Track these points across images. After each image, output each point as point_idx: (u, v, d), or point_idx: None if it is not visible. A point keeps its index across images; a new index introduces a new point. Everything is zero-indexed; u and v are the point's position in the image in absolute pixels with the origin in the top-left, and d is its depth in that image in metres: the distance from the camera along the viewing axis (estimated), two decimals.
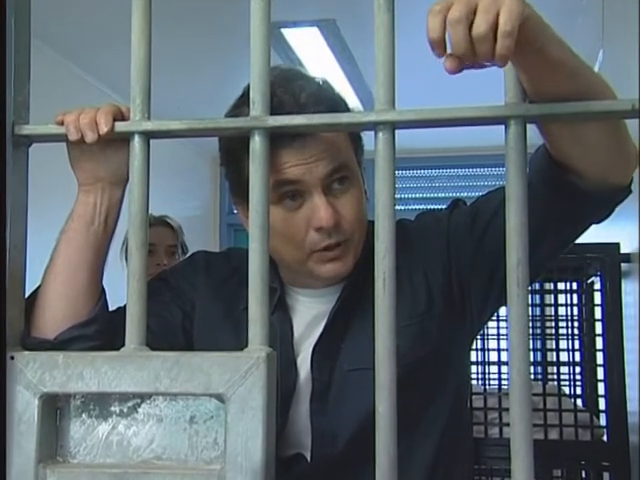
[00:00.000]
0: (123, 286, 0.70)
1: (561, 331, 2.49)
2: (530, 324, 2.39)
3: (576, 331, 2.51)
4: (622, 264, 2.32)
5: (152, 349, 0.68)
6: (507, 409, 2.20)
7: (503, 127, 0.66)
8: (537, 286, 2.53)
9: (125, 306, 0.70)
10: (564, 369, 2.57)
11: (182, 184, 4.94)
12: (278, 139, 0.94)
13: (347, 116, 0.71)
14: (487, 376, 2.62)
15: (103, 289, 1.05)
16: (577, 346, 2.52)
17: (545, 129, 0.88)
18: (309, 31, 3.41)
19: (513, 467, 0.62)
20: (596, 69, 2.77)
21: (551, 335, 2.53)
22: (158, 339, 1.06)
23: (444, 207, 1.16)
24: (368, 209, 1.05)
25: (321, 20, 3.31)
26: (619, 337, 2.26)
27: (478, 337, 2.37)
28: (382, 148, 0.66)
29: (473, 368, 2.56)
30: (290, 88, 1.02)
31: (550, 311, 2.55)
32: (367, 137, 0.91)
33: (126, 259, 0.72)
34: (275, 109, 0.71)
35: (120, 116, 0.88)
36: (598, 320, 2.38)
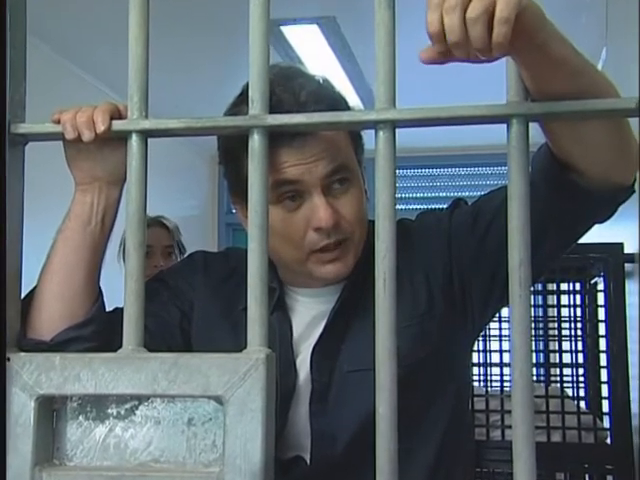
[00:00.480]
0: (121, 287, 0.70)
1: (564, 332, 2.50)
2: (532, 325, 2.39)
3: (579, 332, 2.51)
4: (626, 264, 2.31)
5: (150, 350, 0.68)
6: (509, 411, 2.20)
7: (505, 126, 0.66)
8: (540, 287, 2.54)
9: (122, 307, 0.70)
10: (567, 371, 2.57)
11: (180, 183, 4.95)
12: (277, 138, 0.94)
13: (347, 115, 0.71)
14: (489, 378, 2.62)
15: (100, 290, 1.05)
16: (580, 347, 2.52)
17: (547, 128, 0.88)
18: (309, 28, 3.41)
19: (515, 470, 0.62)
20: (599, 67, 2.77)
21: (554, 336, 2.54)
22: (156, 340, 1.06)
23: (445, 207, 1.16)
24: (368, 209, 1.05)
25: (321, 17, 3.31)
26: (623, 338, 2.26)
27: (480, 338, 2.37)
28: (382, 147, 0.66)
29: (475, 369, 2.56)
30: (290, 86, 1.02)
31: (553, 312, 2.55)
32: (367, 136, 0.91)
33: (124, 260, 0.72)
34: (274, 108, 0.71)
35: (117, 115, 0.88)
36: (601, 321, 2.39)
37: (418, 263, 1.10)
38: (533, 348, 0.66)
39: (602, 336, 2.38)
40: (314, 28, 3.41)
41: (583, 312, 2.53)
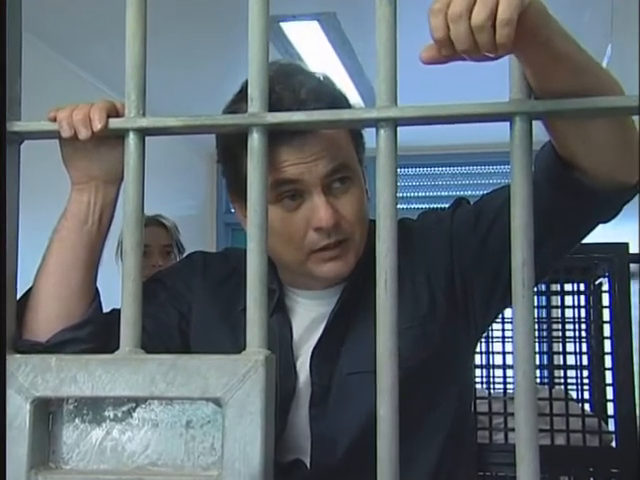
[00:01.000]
0: (118, 287, 0.70)
1: (568, 334, 2.49)
2: (536, 326, 2.39)
3: (583, 334, 2.51)
4: (631, 265, 2.31)
5: (147, 351, 0.68)
6: (512, 414, 2.20)
7: (508, 124, 0.66)
8: (543, 287, 2.53)
9: (120, 308, 0.70)
10: (571, 373, 2.56)
11: (178, 182, 4.95)
12: (277, 137, 0.94)
13: (348, 113, 0.71)
14: (492, 380, 2.62)
15: (97, 290, 1.05)
16: (585, 349, 2.52)
17: (551, 126, 0.88)
18: (309, 25, 3.41)
19: (518, 474, 0.62)
20: (604, 64, 2.77)
21: (558, 338, 2.53)
22: (153, 341, 1.06)
23: (447, 206, 1.16)
24: (369, 208, 1.05)
25: (321, 13, 3.32)
26: (628, 340, 2.26)
27: (482, 340, 2.37)
28: (384, 145, 0.66)
29: (477, 371, 2.56)
30: (290, 84, 1.02)
31: (557, 313, 2.55)
32: (368, 134, 0.91)
33: (121, 260, 0.72)
34: (274, 105, 0.71)
35: (114, 112, 0.88)
36: (606, 322, 2.38)
37: (419, 263, 1.10)
38: (536, 350, 0.66)
39: (607, 337, 2.38)
40: (314, 24, 3.41)
41: (587, 313, 2.53)
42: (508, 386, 2.45)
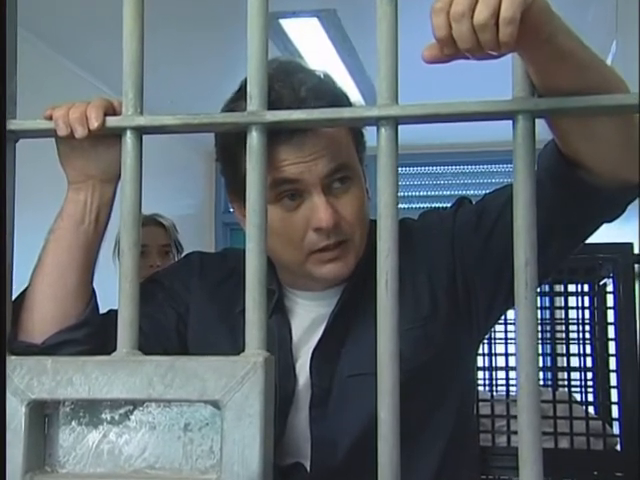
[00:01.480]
0: (115, 288, 0.70)
1: (572, 335, 2.49)
2: (539, 328, 2.39)
3: (587, 335, 2.51)
4: (636, 265, 2.31)
5: (145, 352, 0.68)
6: (515, 416, 2.20)
7: (511, 122, 0.66)
8: (547, 288, 2.53)
9: (117, 309, 0.70)
10: (575, 375, 2.56)
11: (176, 181, 4.95)
12: (276, 135, 0.94)
13: (348, 111, 0.71)
14: (494, 382, 2.62)
15: (94, 291, 1.05)
16: (589, 351, 2.52)
17: (554, 124, 0.88)
18: (309, 22, 3.41)
19: (521, 478, 0.62)
20: (609, 61, 2.77)
21: (561, 339, 2.53)
22: (151, 342, 1.06)
23: (449, 206, 1.16)
24: (370, 208, 1.05)
25: (321, 10, 3.31)
26: (633, 341, 2.26)
27: (485, 341, 2.37)
28: (384, 144, 0.66)
29: (480, 374, 2.56)
30: (289, 82, 1.02)
31: (560, 314, 2.55)
32: (369, 133, 0.91)
33: (118, 260, 0.72)
34: (274, 104, 0.71)
35: (112, 111, 0.88)
36: (611, 324, 2.38)
37: (421, 264, 1.10)
38: (540, 351, 0.66)
39: (611, 339, 2.38)
40: (314, 21, 3.41)
41: (592, 314, 2.53)
42: (511, 388, 2.45)
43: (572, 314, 2.51)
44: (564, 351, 2.50)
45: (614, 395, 2.42)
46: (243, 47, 0.69)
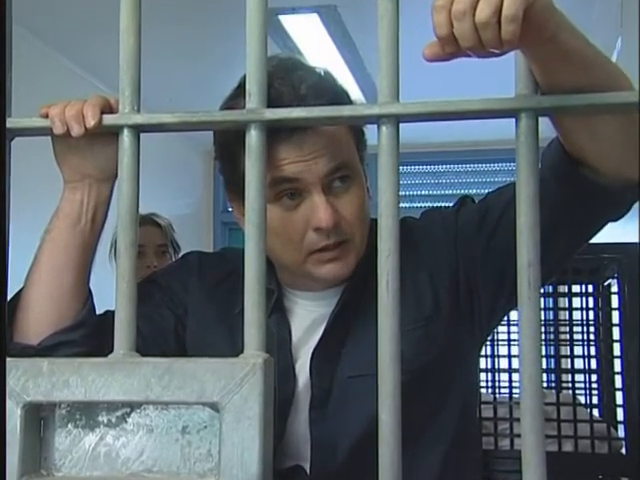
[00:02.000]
0: (112, 288, 0.70)
1: (576, 337, 2.49)
2: (543, 329, 2.39)
3: (592, 337, 2.51)
4: None
5: (142, 353, 0.68)
6: (518, 419, 2.20)
7: (513, 120, 0.66)
8: (550, 289, 2.53)
9: (113, 310, 0.70)
10: (579, 377, 2.56)
11: (174, 180, 4.95)
12: (276, 133, 0.94)
13: (349, 109, 0.71)
14: (497, 384, 2.62)
15: (90, 291, 1.05)
16: (593, 352, 2.52)
17: (558, 122, 0.88)
18: (308, 18, 3.41)
19: None
20: (614, 58, 2.77)
21: (565, 341, 2.53)
22: (148, 343, 1.06)
23: (451, 205, 1.16)
24: (371, 207, 1.05)
25: (321, 6, 3.31)
26: (638, 343, 2.26)
27: (487, 343, 2.37)
28: (385, 142, 0.66)
29: (482, 375, 2.56)
30: (289, 79, 1.02)
31: (564, 315, 2.55)
32: (370, 131, 0.91)
33: (115, 260, 0.72)
34: (273, 101, 0.71)
35: (108, 109, 0.88)
36: (615, 325, 2.38)
37: (422, 263, 1.10)
38: (543, 353, 0.66)
39: (616, 341, 2.38)
40: (314, 17, 3.40)
41: (596, 315, 2.53)
42: (514, 390, 2.45)
43: (576, 315, 2.51)
44: (568, 353, 2.50)
45: (619, 397, 2.42)
46: (242, 44, 0.69)
